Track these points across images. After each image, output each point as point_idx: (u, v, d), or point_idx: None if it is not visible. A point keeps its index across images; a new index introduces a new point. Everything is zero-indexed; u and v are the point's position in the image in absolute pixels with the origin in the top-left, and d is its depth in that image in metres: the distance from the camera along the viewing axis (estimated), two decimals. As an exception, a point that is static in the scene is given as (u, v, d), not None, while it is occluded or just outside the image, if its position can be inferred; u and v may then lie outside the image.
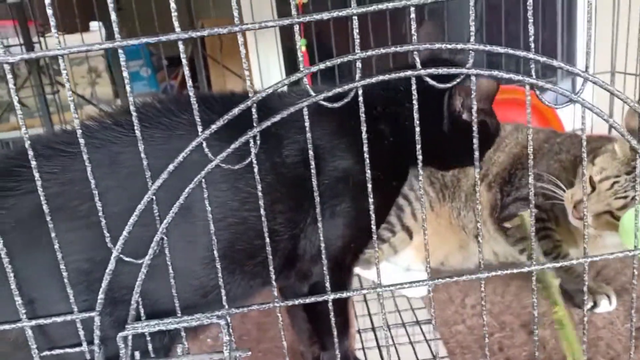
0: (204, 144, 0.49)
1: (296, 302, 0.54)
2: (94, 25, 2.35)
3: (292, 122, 0.59)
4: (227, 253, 0.62)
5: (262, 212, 0.51)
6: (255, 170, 0.50)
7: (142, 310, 0.53)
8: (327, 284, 0.55)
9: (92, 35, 1.97)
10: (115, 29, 0.45)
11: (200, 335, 0.65)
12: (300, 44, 1.40)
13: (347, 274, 0.71)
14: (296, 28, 0.47)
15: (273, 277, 0.54)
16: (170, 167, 0.49)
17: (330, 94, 0.48)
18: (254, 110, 0.48)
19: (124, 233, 0.50)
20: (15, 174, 0.56)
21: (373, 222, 0.54)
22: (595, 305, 0.95)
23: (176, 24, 0.46)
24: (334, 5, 1.58)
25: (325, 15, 0.47)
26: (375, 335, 0.95)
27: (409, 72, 0.48)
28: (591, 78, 0.49)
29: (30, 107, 1.74)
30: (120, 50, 0.47)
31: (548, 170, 1.03)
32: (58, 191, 0.54)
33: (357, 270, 1.11)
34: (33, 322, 0.52)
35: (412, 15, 0.47)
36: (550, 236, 1.01)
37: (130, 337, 0.52)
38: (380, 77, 0.48)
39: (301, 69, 0.48)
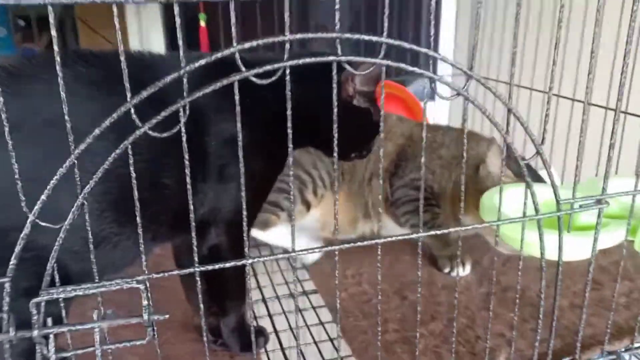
0: (132, 110, 0.49)
1: (216, 266, 0.57)
2: None
3: (178, 84, 0.51)
4: (118, 205, 0.63)
5: (187, 171, 0.53)
6: (184, 140, 0.52)
7: (56, 276, 0.52)
8: (246, 249, 0.58)
9: None
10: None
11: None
12: (200, 18, 1.38)
13: (243, 238, 0.75)
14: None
15: (194, 242, 0.56)
16: (97, 131, 0.48)
17: (260, 71, 0.51)
18: (185, 80, 0.50)
19: (42, 197, 0.49)
20: None
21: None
22: (451, 269, 1.11)
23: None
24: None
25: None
26: (267, 305, 1.00)
27: (331, 58, 0.53)
28: (475, 76, 0.59)
29: None
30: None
31: (429, 163, 1.18)
32: None
33: (253, 231, 1.15)
34: None
35: (337, 7, 0.52)
36: (429, 210, 1.17)
37: (43, 304, 0.51)
38: (307, 60, 0.52)
39: (234, 44, 0.50)
